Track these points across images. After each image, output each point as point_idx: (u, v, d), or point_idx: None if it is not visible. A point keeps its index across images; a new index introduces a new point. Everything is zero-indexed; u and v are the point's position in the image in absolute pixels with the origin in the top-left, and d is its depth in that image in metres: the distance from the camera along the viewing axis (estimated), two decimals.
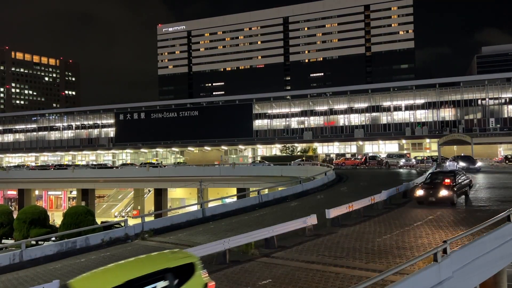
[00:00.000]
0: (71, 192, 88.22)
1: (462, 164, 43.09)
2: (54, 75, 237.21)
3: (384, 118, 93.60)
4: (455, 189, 22.52)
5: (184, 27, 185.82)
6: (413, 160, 61.05)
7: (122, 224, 22.03)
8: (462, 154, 58.05)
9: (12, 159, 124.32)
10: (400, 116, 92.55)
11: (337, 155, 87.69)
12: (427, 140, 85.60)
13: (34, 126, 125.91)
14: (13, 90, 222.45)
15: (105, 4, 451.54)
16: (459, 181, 23.73)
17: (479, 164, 46.36)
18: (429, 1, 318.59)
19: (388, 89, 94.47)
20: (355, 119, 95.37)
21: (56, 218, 68.15)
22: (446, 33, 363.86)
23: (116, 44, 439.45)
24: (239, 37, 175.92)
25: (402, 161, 59.40)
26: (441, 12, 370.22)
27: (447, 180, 22.96)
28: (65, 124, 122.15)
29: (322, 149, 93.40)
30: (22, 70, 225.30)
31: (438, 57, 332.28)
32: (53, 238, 30.92)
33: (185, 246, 16.04)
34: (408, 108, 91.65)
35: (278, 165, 59.39)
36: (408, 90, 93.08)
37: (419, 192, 22.96)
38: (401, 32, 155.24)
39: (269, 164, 64.51)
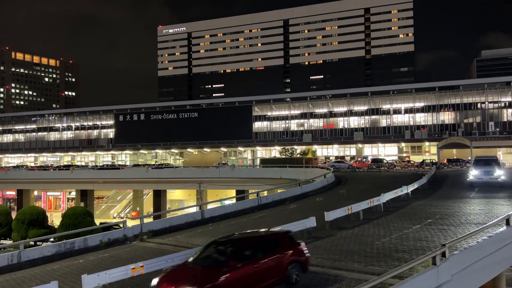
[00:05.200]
0: (70, 193, 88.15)
1: (475, 172, 29.63)
2: (54, 76, 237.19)
3: (384, 121, 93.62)
4: None
5: (184, 28, 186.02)
6: None
7: (121, 225, 22.02)
8: (483, 157, 35.04)
9: (12, 160, 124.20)
10: (400, 119, 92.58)
11: (336, 157, 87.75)
12: (427, 144, 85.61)
13: (33, 126, 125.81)
14: (12, 90, 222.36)
15: (107, 5, 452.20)
16: None
17: (499, 173, 29.19)
18: (434, 5, 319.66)
19: (388, 92, 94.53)
20: (355, 122, 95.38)
21: (55, 219, 68.04)
22: (451, 37, 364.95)
23: (117, 45, 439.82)
24: (239, 39, 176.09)
25: None
26: (447, 15, 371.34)
27: None
28: (65, 124, 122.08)
29: (322, 151, 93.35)
30: (22, 70, 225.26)
31: (444, 60, 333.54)
32: (52, 239, 30.85)
33: (184, 248, 16.00)
34: (408, 111, 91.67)
35: (277, 167, 59.35)
36: (407, 93, 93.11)
37: None
38: (401, 36, 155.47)
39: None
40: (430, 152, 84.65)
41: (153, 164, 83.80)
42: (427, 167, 55.65)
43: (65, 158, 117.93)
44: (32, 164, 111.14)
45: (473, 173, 29.64)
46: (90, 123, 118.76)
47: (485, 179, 28.78)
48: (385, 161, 64.55)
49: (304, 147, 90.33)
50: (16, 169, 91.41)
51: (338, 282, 11.59)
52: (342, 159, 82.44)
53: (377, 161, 64.54)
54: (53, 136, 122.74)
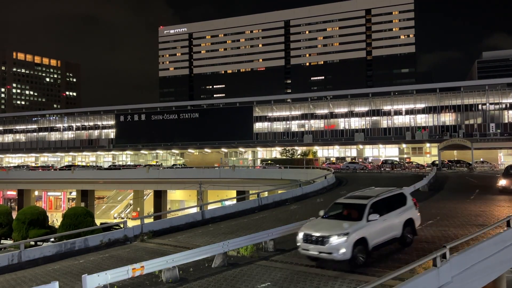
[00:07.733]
0: (70, 193, 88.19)
1: (299, 236, 13.84)
2: (55, 76, 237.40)
3: (385, 122, 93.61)
4: None
5: (185, 29, 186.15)
6: None
7: (121, 225, 22.03)
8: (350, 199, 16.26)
9: (12, 160, 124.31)
10: (401, 120, 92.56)
11: (337, 158, 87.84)
12: (427, 145, 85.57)
13: (34, 126, 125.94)
14: (14, 90, 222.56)
15: (108, 6, 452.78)
16: None
17: (336, 243, 12.77)
18: (436, 6, 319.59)
19: (389, 93, 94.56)
20: (356, 123, 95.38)
21: (56, 219, 68.07)
22: (454, 38, 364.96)
23: (118, 45, 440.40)
24: (240, 39, 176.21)
25: None
26: (449, 16, 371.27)
27: None
28: (66, 125, 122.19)
29: (322, 152, 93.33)
30: (23, 70, 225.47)
31: (445, 62, 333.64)
32: (52, 239, 30.86)
33: (185, 248, 16.00)
34: (409, 112, 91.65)
35: (277, 168, 59.43)
36: (408, 94, 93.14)
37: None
38: (402, 37, 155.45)
39: (280, 166, 61.31)
40: (431, 153, 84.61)
41: (158, 165, 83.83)
42: (428, 168, 56.95)
43: (66, 158, 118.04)
44: (33, 164, 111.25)
45: (299, 237, 14.08)
46: (91, 123, 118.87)
47: (313, 253, 13.55)
48: (396, 163, 66.14)
49: (304, 148, 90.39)
50: (17, 169, 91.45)
51: (338, 283, 11.58)
52: (343, 160, 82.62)
53: (388, 162, 66.92)
54: (54, 136, 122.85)
